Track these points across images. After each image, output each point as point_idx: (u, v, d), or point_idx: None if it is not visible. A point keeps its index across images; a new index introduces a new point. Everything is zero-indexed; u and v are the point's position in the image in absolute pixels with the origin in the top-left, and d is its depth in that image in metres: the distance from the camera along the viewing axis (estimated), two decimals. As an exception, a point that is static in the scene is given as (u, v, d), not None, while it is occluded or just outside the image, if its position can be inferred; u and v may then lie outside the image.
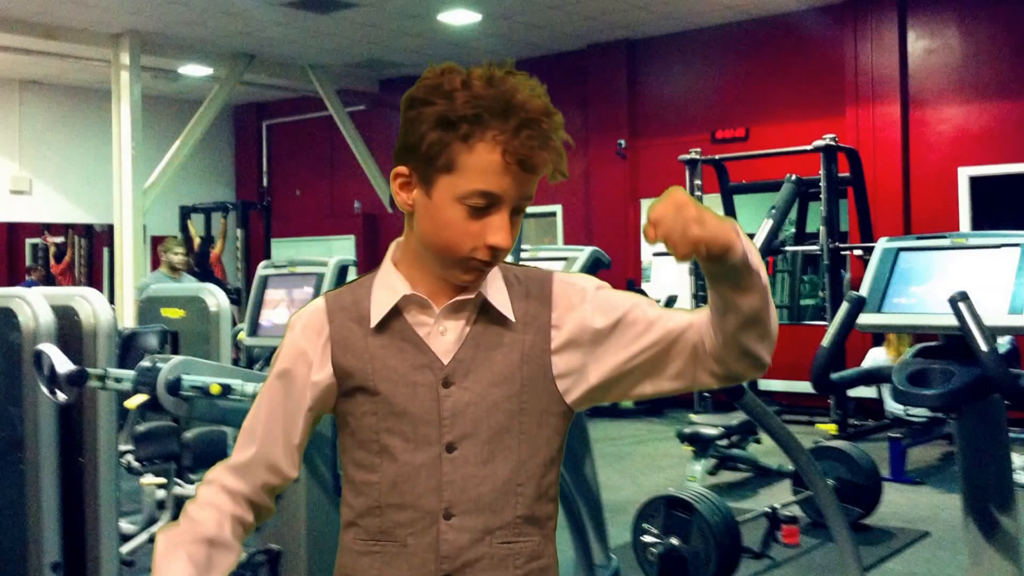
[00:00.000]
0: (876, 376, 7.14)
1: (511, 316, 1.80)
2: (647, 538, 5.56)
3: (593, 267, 5.53)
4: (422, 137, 1.72)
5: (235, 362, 7.36)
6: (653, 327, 1.78)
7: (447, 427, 1.75)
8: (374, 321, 1.78)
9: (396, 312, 1.79)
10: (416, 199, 1.77)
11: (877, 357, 9.28)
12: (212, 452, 5.51)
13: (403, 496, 1.75)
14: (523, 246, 5.97)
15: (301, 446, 1.86)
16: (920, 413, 8.79)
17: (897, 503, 7.57)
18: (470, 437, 1.75)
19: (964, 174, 11.30)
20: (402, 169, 1.79)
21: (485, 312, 1.80)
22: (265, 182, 18.13)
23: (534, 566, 1.80)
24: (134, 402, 3.93)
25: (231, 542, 1.85)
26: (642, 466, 9.23)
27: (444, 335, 1.78)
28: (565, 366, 1.81)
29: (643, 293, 12.02)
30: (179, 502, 6.18)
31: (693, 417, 8.41)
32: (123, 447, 5.45)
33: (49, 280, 18.27)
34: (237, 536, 1.86)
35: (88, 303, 4.16)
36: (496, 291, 1.81)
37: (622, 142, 13.26)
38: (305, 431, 1.86)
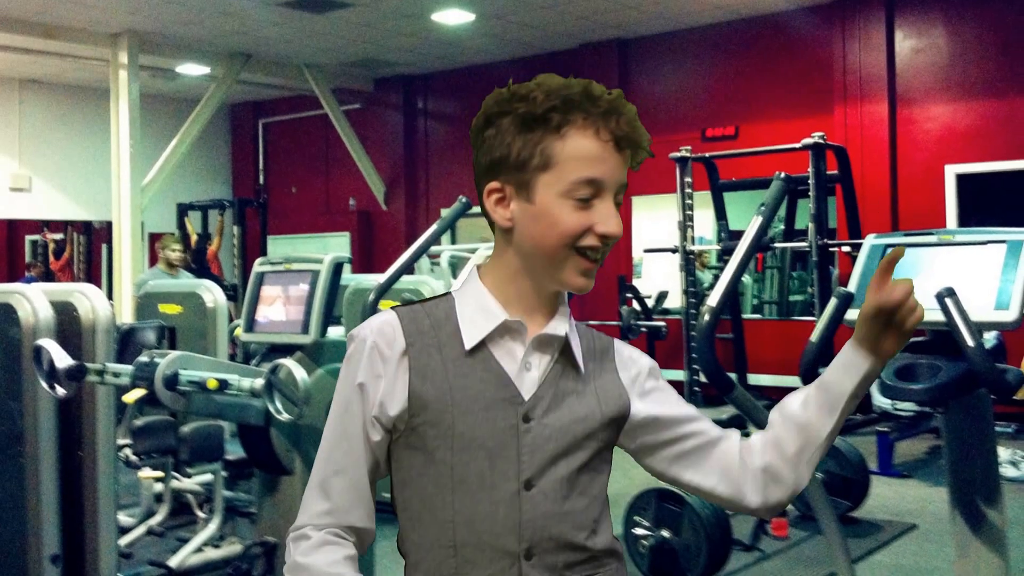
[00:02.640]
0: None
1: (582, 364, 1.75)
2: (638, 530, 5.54)
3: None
4: (509, 146, 1.67)
5: (232, 358, 7.40)
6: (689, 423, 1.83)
7: (525, 463, 1.67)
8: (468, 345, 1.69)
9: (483, 342, 1.71)
10: (515, 211, 1.69)
11: None
12: (209, 446, 5.51)
13: (480, 535, 1.66)
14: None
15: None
16: (907, 407, 8.75)
17: (885, 496, 7.60)
18: (547, 473, 1.68)
19: (951, 171, 11.36)
20: (494, 184, 1.71)
21: (564, 352, 1.74)
22: (261, 180, 18.12)
23: None
24: (132, 396, 3.99)
25: None
26: (634, 460, 9.28)
27: (529, 371, 1.71)
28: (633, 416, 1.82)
29: (635, 290, 12.10)
30: (176, 495, 6.25)
31: (683, 411, 8.42)
32: (121, 441, 5.44)
33: (48, 276, 18.19)
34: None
35: (87, 299, 4.20)
36: (573, 333, 1.77)
37: (614, 140, 13.20)
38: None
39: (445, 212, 6.90)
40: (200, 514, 6.04)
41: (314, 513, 1.73)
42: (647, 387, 1.82)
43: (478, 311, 1.72)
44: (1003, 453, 8.19)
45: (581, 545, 1.71)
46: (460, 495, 1.67)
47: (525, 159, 1.66)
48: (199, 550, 5.66)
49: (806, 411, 1.77)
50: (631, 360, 1.83)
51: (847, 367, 1.73)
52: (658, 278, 12.84)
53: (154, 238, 13.12)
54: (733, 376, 6.90)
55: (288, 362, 4.11)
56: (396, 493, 1.75)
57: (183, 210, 15.34)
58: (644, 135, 1.70)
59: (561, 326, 1.73)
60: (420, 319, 1.73)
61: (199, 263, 14.30)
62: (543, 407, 1.69)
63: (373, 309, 6.20)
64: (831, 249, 10.26)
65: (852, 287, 3.49)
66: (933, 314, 3.16)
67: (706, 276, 12.09)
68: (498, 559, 1.65)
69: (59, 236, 19.32)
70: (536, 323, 1.73)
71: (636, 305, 12.03)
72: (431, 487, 1.69)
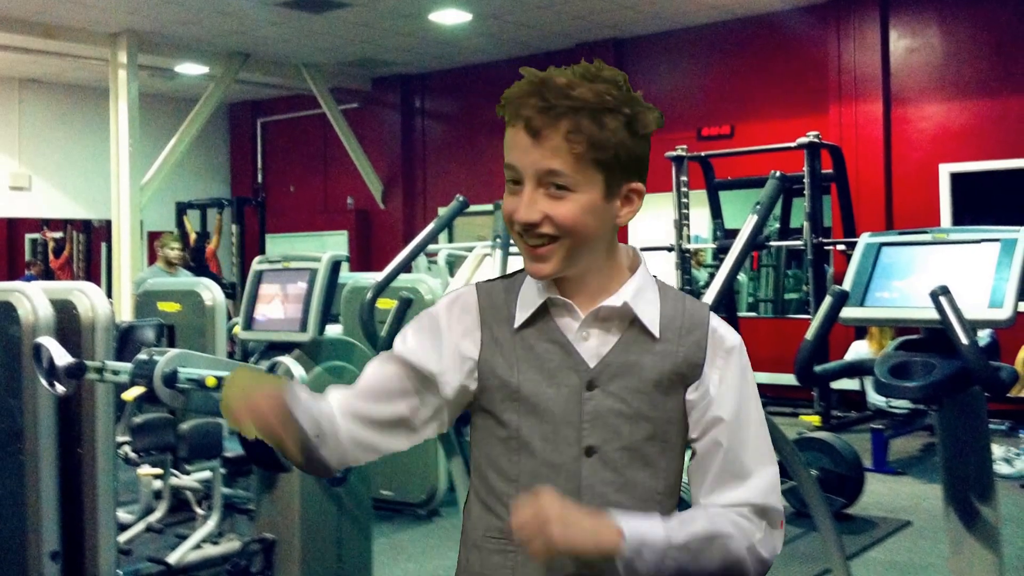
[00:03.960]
0: (859, 369, 7.06)
1: (655, 330, 1.75)
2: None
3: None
4: None
5: (230, 355, 7.43)
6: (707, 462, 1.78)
7: (587, 430, 1.71)
8: (518, 321, 1.75)
9: (544, 312, 1.75)
10: None
11: (860, 350, 9.26)
12: (207, 443, 5.51)
13: None
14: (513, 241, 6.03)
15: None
16: (902, 405, 8.76)
17: (879, 493, 7.62)
18: (611, 442, 1.71)
19: (945, 170, 11.39)
20: None
21: (635, 323, 1.75)
22: (260, 178, 18.14)
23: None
24: (131, 394, 4.00)
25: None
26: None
27: (587, 340, 1.74)
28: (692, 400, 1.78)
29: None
30: (175, 492, 6.27)
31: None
32: (120, 438, 5.46)
33: (48, 275, 18.23)
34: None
35: (86, 297, 4.22)
36: (646, 302, 1.76)
37: (611, 139, 13.21)
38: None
39: (442, 211, 6.93)
40: (199, 511, 6.05)
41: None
42: (720, 387, 1.78)
43: (532, 289, 1.77)
44: (997, 450, 8.23)
45: (638, 516, 1.69)
46: (525, 456, 1.73)
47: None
48: (198, 547, 5.67)
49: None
50: (722, 340, 1.80)
51: None
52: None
53: (153, 237, 13.20)
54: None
55: (286, 360, 4.15)
56: (471, 453, 1.82)
57: (182, 209, 15.36)
58: (559, 122, 1.66)
59: (620, 298, 1.74)
60: (495, 292, 1.81)
61: (198, 261, 14.32)
62: (609, 374, 1.72)
63: (371, 307, 6.22)
64: (826, 247, 10.27)
65: (847, 285, 3.49)
66: (927, 312, 3.20)
67: (702, 274, 12.09)
68: None
69: (59, 235, 19.36)
70: (593, 296, 1.76)
71: (633, 303, 12.02)
72: (499, 447, 1.75)
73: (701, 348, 1.77)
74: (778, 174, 4.76)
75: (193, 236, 15.10)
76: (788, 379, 9.96)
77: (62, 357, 3.93)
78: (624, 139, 1.69)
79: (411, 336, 1.82)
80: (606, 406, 1.71)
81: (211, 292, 6.68)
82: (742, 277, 12.57)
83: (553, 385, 1.72)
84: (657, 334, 1.75)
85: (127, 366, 4.00)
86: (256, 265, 4.95)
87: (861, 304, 3.46)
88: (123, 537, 5.68)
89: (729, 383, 1.77)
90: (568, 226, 1.69)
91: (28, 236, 20.44)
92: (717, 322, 1.81)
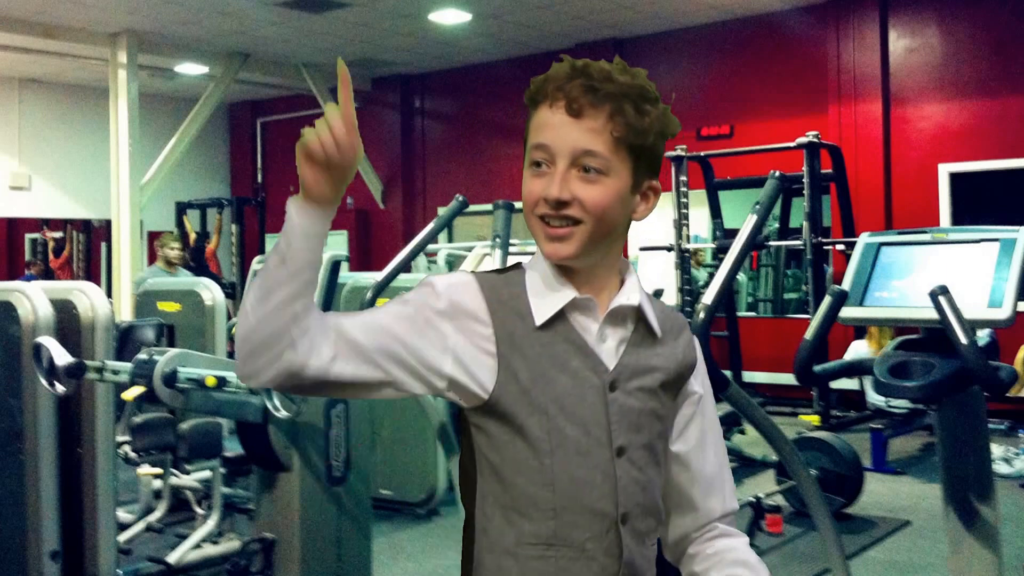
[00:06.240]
0: (858, 368, 7.04)
1: (658, 330, 1.76)
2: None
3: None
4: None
5: (230, 355, 7.44)
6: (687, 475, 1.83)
7: (616, 431, 1.70)
8: (539, 320, 1.69)
9: (559, 313, 1.71)
10: None
11: (859, 350, 9.27)
12: (207, 443, 5.52)
13: (581, 500, 1.67)
14: (513, 240, 6.03)
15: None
16: (901, 405, 8.77)
17: (879, 493, 7.63)
18: (634, 441, 1.71)
19: (944, 170, 11.39)
20: None
21: (642, 321, 1.75)
22: (260, 178, 18.14)
23: (655, 570, 1.80)
24: (131, 394, 4.03)
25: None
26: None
27: (605, 342, 1.72)
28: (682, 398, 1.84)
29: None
30: (175, 492, 6.29)
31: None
32: (120, 438, 5.47)
33: (48, 274, 18.25)
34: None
35: (86, 297, 4.23)
36: (647, 302, 1.77)
37: (611, 139, 13.21)
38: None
39: (442, 211, 6.93)
40: (199, 510, 6.06)
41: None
42: (699, 389, 1.85)
43: (547, 287, 1.72)
44: (996, 450, 8.24)
45: (653, 514, 1.75)
46: (559, 459, 1.67)
47: (524, 138, 1.74)
48: (198, 546, 5.68)
49: None
50: (695, 344, 1.85)
51: None
52: (654, 276, 12.84)
53: (153, 236, 13.19)
54: (728, 374, 6.93)
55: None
56: (475, 457, 1.73)
57: (182, 208, 15.35)
58: (604, 104, 1.65)
59: (632, 295, 1.74)
60: (499, 288, 1.73)
61: (197, 261, 14.32)
62: (627, 375, 1.72)
63: (371, 307, 6.23)
64: (825, 247, 10.29)
65: (846, 285, 3.51)
66: (927, 312, 3.21)
67: (701, 274, 12.11)
68: (598, 522, 1.67)
69: (59, 234, 19.38)
70: (603, 294, 1.74)
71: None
72: (524, 452, 1.68)
73: (692, 349, 1.83)
74: (777, 174, 4.76)
75: (193, 236, 15.09)
76: (787, 379, 10.01)
77: (62, 357, 3.94)
78: (659, 132, 1.70)
79: (437, 321, 1.68)
80: (628, 405, 1.71)
81: (211, 292, 6.69)
82: (741, 277, 12.59)
83: (578, 387, 1.69)
84: (660, 334, 1.76)
85: (127, 366, 4.02)
86: (256, 265, 4.96)
87: (860, 304, 3.48)
88: (123, 537, 5.69)
89: (705, 388, 1.85)
90: (597, 210, 1.67)
91: (28, 236, 20.46)
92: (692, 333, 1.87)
